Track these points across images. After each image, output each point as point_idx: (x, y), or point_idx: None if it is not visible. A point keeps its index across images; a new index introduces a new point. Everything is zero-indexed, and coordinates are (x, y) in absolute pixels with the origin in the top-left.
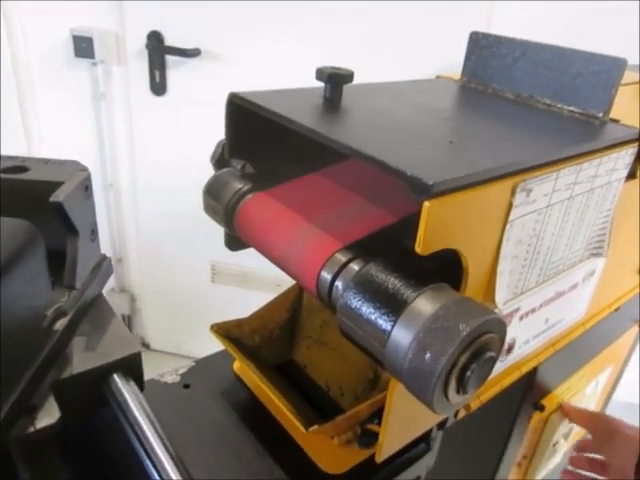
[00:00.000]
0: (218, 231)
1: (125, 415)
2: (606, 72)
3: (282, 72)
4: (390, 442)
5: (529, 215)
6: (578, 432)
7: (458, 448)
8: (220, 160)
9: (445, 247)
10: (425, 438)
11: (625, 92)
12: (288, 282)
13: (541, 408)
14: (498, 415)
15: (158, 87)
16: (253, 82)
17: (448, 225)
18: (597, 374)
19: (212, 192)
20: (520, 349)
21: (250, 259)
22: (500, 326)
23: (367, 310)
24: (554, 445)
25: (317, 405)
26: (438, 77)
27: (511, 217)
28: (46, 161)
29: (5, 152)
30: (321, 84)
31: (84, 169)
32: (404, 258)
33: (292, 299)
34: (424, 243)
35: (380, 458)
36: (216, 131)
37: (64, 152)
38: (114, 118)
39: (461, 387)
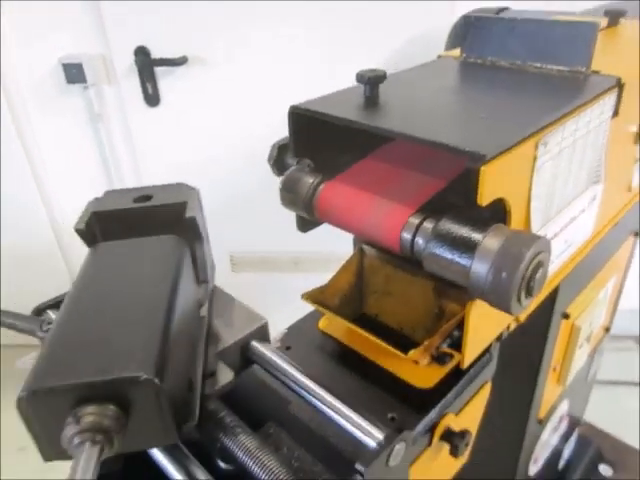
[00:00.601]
0: (232, 224)
1: (276, 369)
2: (583, 34)
3: (267, 69)
4: (471, 351)
5: (548, 162)
6: (597, 334)
7: (503, 362)
8: (278, 160)
9: (496, 197)
10: (487, 350)
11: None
12: (305, 259)
13: (567, 316)
14: (534, 328)
15: (152, 99)
16: (240, 80)
17: (496, 181)
18: (605, 283)
19: (288, 188)
20: (551, 266)
21: (265, 243)
22: (547, 245)
23: (449, 254)
24: (580, 348)
25: (394, 342)
26: (439, 57)
27: (536, 166)
28: (161, 187)
29: (12, 184)
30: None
31: (193, 188)
32: (462, 211)
33: (356, 264)
34: (483, 197)
35: (465, 364)
36: (214, 129)
37: (71, 177)
38: (114, 136)
39: (529, 293)
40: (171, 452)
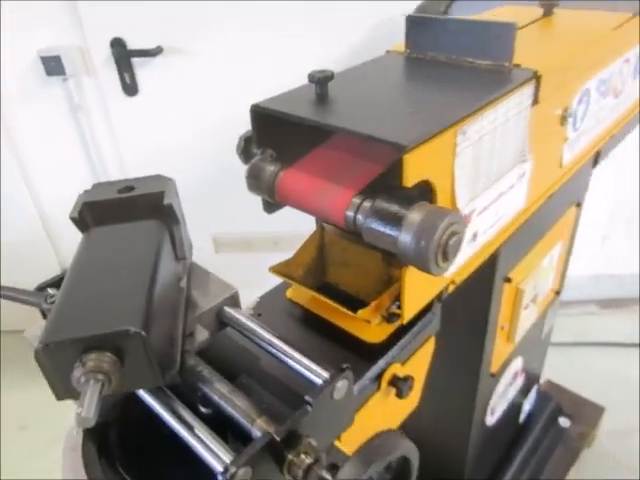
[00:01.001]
0: (214, 208)
1: (245, 329)
2: (505, 33)
3: (240, 56)
4: (409, 309)
5: (468, 148)
6: (545, 298)
7: (454, 322)
8: (245, 150)
9: (420, 179)
10: (430, 308)
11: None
12: (284, 240)
13: (509, 280)
14: (479, 291)
15: (130, 88)
16: (215, 68)
17: (420, 166)
18: (549, 249)
19: (253, 175)
20: (483, 236)
21: (247, 225)
22: (459, 218)
23: (382, 228)
24: (525, 308)
25: (351, 306)
26: (388, 52)
27: (457, 152)
28: (141, 179)
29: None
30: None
31: (170, 179)
32: (395, 192)
33: (317, 239)
34: (407, 180)
35: (405, 320)
36: (193, 115)
37: (54, 167)
38: (95, 125)
39: (445, 257)
40: (158, 395)
